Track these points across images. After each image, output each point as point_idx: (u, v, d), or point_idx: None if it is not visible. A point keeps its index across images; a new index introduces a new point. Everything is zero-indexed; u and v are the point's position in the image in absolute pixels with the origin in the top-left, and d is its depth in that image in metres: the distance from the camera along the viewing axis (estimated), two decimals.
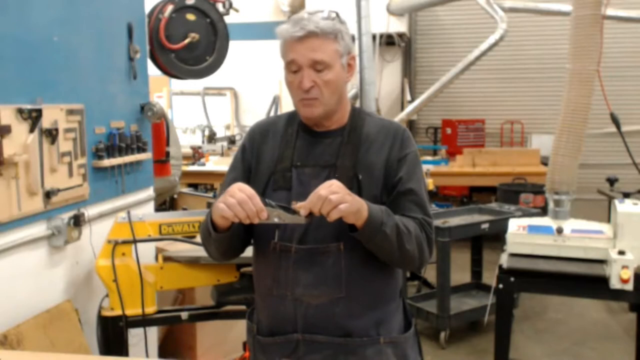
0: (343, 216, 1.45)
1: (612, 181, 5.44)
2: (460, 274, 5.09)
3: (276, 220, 1.49)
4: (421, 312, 4.32)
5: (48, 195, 2.31)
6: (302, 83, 1.59)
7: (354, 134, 1.68)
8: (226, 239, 1.61)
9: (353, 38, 1.78)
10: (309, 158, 1.68)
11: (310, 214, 1.47)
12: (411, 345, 1.75)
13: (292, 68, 1.61)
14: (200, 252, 2.55)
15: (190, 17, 3.54)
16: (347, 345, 1.63)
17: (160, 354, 3.26)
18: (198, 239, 2.59)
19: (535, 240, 2.93)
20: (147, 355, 2.56)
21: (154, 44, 3.36)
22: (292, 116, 1.77)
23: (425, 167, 5.26)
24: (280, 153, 1.69)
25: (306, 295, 1.61)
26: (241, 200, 1.46)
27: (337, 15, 1.64)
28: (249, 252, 1.77)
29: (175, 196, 4.41)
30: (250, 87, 9.05)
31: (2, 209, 2.10)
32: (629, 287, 2.61)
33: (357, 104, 5.28)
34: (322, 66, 1.59)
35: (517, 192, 6.22)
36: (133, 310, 2.41)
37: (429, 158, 7.86)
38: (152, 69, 3.38)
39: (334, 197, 1.43)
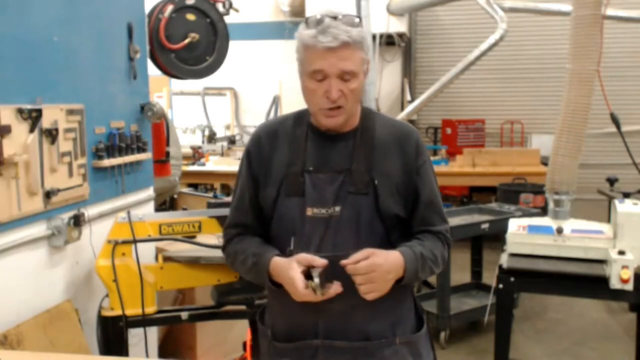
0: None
1: (612, 181, 5.43)
2: (460, 274, 5.09)
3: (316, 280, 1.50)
4: None
5: (48, 195, 2.31)
6: (329, 92, 1.53)
7: (366, 135, 1.65)
8: None
9: None
10: (323, 163, 1.64)
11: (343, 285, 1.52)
12: (424, 342, 1.76)
13: (318, 77, 1.55)
14: (200, 252, 2.56)
15: (190, 17, 3.54)
16: (365, 349, 1.63)
17: (160, 354, 3.26)
18: (198, 238, 2.60)
19: (535, 240, 2.93)
20: (147, 355, 2.56)
21: (154, 44, 3.37)
22: (299, 117, 1.72)
23: None
24: (290, 157, 1.65)
25: (329, 303, 1.57)
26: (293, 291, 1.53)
27: (360, 20, 1.59)
28: None
29: (175, 196, 4.41)
30: (250, 87, 9.05)
31: (2, 209, 2.11)
32: (629, 287, 2.61)
33: None
34: (350, 76, 1.54)
35: (517, 192, 6.22)
36: (133, 310, 2.41)
37: None
38: (152, 69, 3.38)
39: (364, 288, 1.50)
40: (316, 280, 1.48)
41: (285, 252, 1.60)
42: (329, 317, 1.61)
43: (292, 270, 1.51)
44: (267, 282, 1.62)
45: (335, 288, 1.50)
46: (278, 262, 1.57)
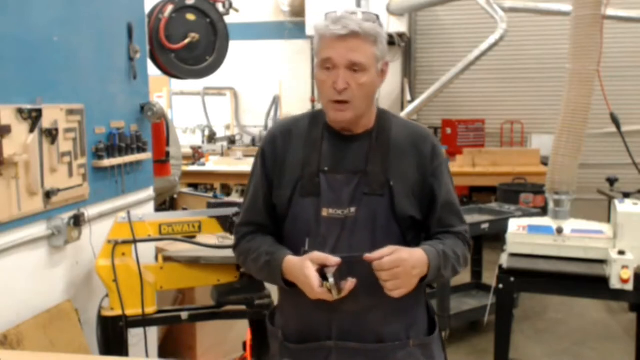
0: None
1: (612, 181, 5.43)
2: (460, 274, 5.09)
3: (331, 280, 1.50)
4: None
5: (48, 195, 2.31)
6: (336, 83, 1.54)
7: (382, 137, 1.65)
8: None
9: None
10: (338, 163, 1.63)
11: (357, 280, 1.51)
12: (436, 344, 1.75)
13: (327, 65, 1.55)
14: (200, 252, 2.56)
15: (190, 17, 3.54)
16: (379, 351, 1.62)
17: (160, 354, 3.26)
18: (198, 238, 2.60)
19: (535, 240, 2.93)
20: (147, 355, 2.56)
21: (154, 44, 3.37)
22: (315, 116, 1.72)
23: None
24: (306, 157, 1.64)
25: (342, 304, 1.56)
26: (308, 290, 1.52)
27: (378, 18, 1.59)
28: None
29: (175, 196, 4.41)
30: (250, 87, 9.06)
31: (2, 209, 2.10)
32: (629, 287, 2.61)
33: None
34: (359, 68, 1.54)
35: (517, 192, 6.21)
36: (133, 310, 2.41)
37: None
38: (152, 69, 3.38)
39: (390, 284, 1.48)
40: (331, 280, 1.47)
41: (299, 253, 1.59)
42: (342, 319, 1.60)
43: (306, 268, 1.50)
44: (280, 282, 1.61)
45: (349, 285, 1.49)
46: (292, 261, 1.57)
